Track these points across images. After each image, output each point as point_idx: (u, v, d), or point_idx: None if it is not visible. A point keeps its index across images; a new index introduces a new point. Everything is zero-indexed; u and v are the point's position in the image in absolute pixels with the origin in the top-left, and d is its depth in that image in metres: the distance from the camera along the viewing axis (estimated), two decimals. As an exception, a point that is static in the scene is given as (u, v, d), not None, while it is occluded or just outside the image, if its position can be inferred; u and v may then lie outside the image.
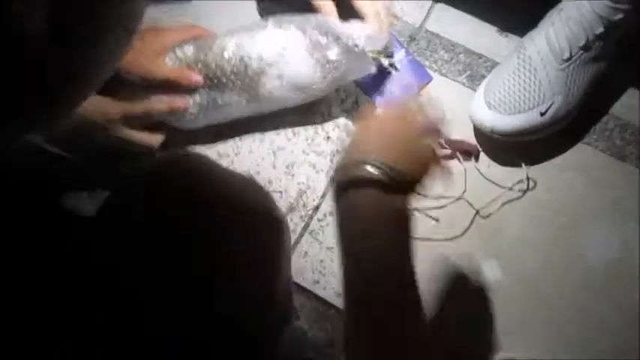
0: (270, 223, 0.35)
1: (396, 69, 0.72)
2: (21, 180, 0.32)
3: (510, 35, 0.84)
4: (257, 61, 0.71)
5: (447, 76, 0.82)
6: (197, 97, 0.72)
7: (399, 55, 0.82)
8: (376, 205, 0.48)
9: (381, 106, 0.80)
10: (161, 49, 0.68)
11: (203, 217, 0.32)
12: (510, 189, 0.78)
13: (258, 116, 0.76)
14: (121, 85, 0.67)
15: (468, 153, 0.78)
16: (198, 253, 0.32)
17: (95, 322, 0.31)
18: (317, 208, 0.77)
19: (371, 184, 0.48)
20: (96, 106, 0.64)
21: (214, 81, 0.71)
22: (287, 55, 0.72)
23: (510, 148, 0.77)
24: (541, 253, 0.76)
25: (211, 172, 0.36)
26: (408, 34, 0.84)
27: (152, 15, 0.77)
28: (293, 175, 0.79)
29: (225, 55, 0.71)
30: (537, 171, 0.78)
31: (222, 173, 0.36)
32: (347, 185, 0.49)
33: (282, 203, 0.77)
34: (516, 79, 0.74)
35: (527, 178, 0.77)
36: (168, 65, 0.70)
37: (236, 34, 0.73)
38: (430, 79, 0.82)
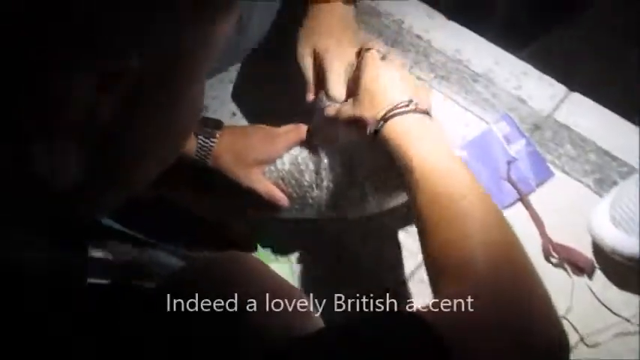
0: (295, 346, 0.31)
1: None
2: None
3: (656, 139, 0.73)
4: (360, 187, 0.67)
5: (570, 175, 0.73)
6: (285, 213, 0.69)
7: (519, 145, 0.74)
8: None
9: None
10: (266, 159, 0.67)
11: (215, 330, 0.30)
12: (628, 320, 0.66)
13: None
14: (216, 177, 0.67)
15: (580, 267, 0.68)
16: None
17: None
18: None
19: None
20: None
21: (303, 201, 0.68)
22: None
23: (634, 271, 0.66)
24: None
25: (257, 282, 0.33)
26: (532, 122, 0.76)
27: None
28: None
29: (322, 183, 0.67)
30: (665, 305, 0.66)
31: (266, 285, 0.34)
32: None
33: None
34: (654, 194, 0.63)
35: (651, 312, 0.65)
36: (265, 176, 0.68)
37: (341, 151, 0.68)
38: (550, 175, 0.73)
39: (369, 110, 0.58)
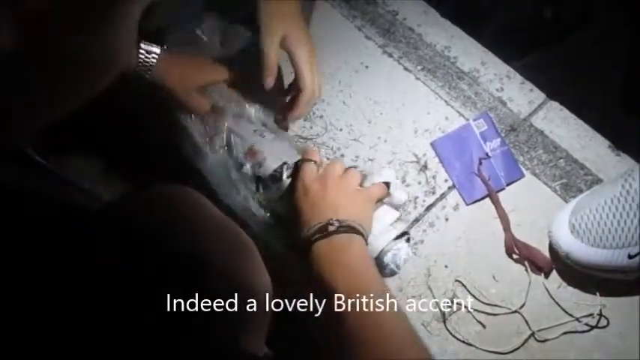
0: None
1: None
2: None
3: (623, 155, 0.75)
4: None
5: (539, 178, 0.75)
6: None
7: (494, 143, 0.76)
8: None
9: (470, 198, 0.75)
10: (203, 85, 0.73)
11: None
12: (577, 320, 0.68)
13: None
14: None
15: (539, 266, 0.70)
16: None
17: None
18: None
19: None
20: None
21: None
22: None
23: (588, 275, 0.69)
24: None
25: (201, 217, 0.33)
26: (509, 123, 0.78)
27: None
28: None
29: None
30: (613, 309, 0.68)
31: (205, 222, 0.34)
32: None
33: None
34: (612, 209, 0.65)
35: (600, 314, 0.68)
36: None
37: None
38: (521, 175, 0.75)
39: (299, 229, 0.63)
